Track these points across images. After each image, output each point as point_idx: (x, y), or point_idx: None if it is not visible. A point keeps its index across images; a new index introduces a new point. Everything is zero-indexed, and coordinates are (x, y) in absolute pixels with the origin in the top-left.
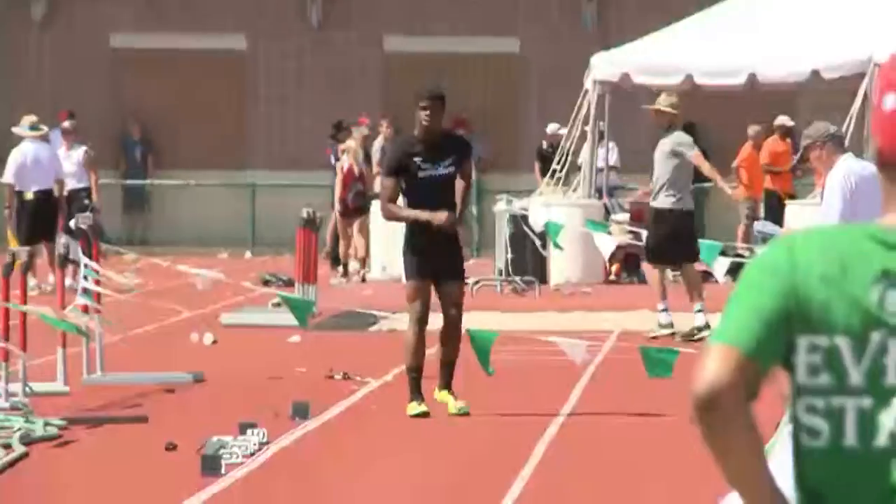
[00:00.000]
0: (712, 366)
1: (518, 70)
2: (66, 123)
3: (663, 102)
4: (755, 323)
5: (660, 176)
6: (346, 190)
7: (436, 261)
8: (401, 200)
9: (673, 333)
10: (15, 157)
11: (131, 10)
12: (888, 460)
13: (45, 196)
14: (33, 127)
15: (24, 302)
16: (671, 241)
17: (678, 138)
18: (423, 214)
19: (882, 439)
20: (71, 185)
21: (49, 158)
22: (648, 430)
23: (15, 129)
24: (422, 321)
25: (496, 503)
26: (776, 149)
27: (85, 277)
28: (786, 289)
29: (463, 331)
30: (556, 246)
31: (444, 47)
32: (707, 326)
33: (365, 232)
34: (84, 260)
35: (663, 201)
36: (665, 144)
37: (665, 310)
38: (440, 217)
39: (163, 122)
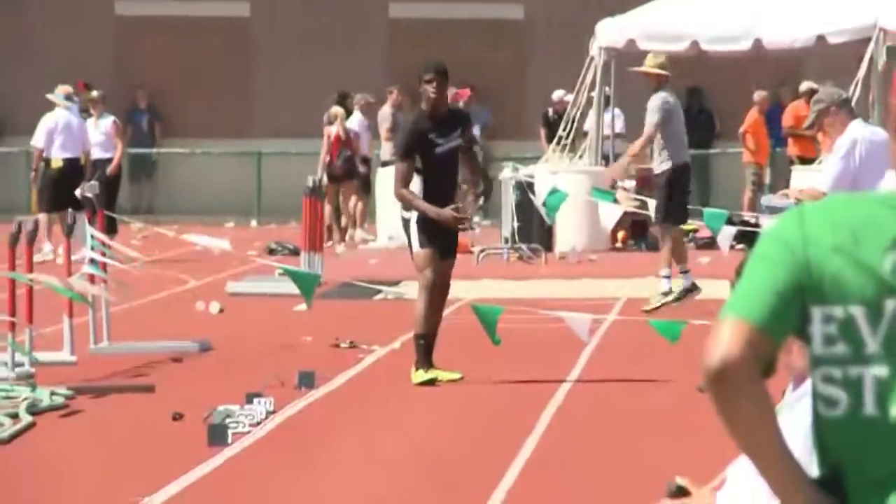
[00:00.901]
0: (724, 338)
1: (523, 36)
2: (95, 93)
3: (650, 63)
4: (767, 296)
5: (656, 139)
6: (336, 156)
7: (444, 236)
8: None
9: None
10: (46, 122)
11: None
12: None
13: (72, 164)
14: (67, 97)
15: (30, 271)
16: (668, 201)
17: (652, 101)
18: (430, 210)
19: None
20: (97, 154)
21: (78, 127)
22: (655, 396)
23: (49, 96)
24: (435, 288)
25: (504, 469)
26: (799, 112)
27: (92, 248)
28: (798, 261)
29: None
30: (551, 219)
31: (448, 13)
32: (670, 292)
33: (350, 196)
34: (90, 230)
35: (658, 166)
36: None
37: (686, 271)
38: (446, 217)
39: (168, 91)
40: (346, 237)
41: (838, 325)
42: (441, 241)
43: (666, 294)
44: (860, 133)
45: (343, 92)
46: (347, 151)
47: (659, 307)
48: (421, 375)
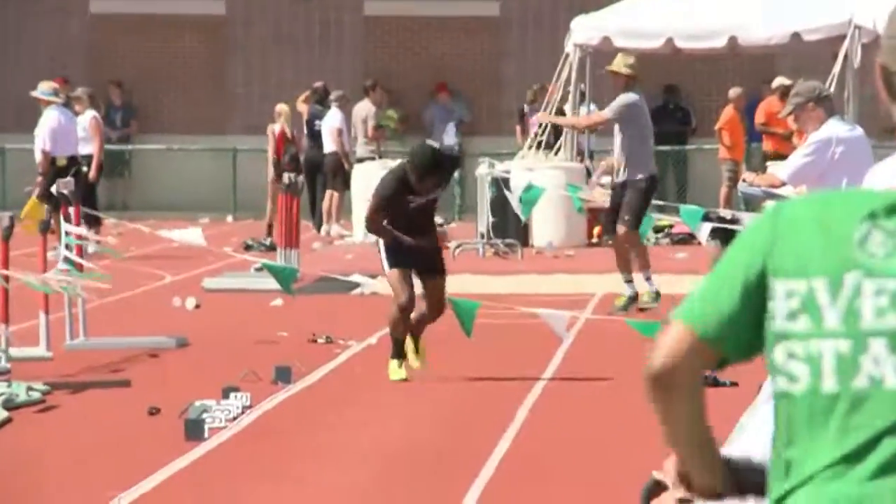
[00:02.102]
0: (667, 344)
1: (499, 33)
2: (80, 90)
3: (619, 63)
4: (720, 305)
5: (622, 145)
6: (282, 154)
7: (416, 255)
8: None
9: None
10: (48, 121)
11: None
12: (864, 403)
13: (73, 162)
14: (55, 93)
15: (5, 268)
16: (641, 208)
17: (616, 100)
18: (406, 239)
19: (861, 381)
20: (79, 150)
21: (73, 124)
22: (630, 392)
23: (35, 94)
24: (407, 309)
25: (480, 465)
26: (772, 109)
27: (67, 246)
28: (766, 240)
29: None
30: (525, 216)
31: (423, 10)
32: (633, 298)
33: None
34: (66, 226)
35: (632, 170)
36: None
37: (648, 278)
38: (421, 243)
39: (144, 88)
40: (322, 232)
41: (800, 298)
42: (411, 258)
43: (631, 299)
44: (836, 131)
45: (324, 86)
46: (293, 149)
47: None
48: (395, 370)
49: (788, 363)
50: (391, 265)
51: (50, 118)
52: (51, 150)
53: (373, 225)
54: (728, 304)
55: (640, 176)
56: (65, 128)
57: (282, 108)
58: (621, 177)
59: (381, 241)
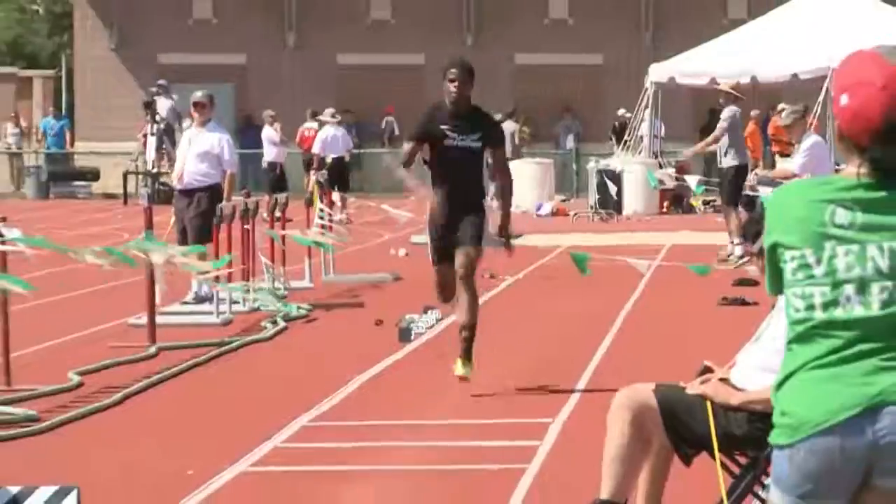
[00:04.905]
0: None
1: (602, 75)
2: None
3: (727, 86)
4: (770, 278)
5: (723, 142)
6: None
7: (454, 233)
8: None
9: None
10: (321, 136)
11: (351, 37)
12: (841, 326)
13: (338, 161)
14: (333, 115)
15: (283, 229)
16: (736, 190)
17: (724, 112)
18: (420, 191)
19: (839, 311)
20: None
21: (342, 137)
22: (695, 313)
23: (321, 117)
24: (446, 301)
25: (583, 367)
26: (777, 124)
27: (321, 217)
28: (773, 225)
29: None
30: (654, 183)
31: (555, 61)
32: (742, 256)
33: None
34: (319, 205)
35: (730, 161)
36: (724, 115)
37: (742, 244)
38: (431, 202)
39: (371, 114)
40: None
41: (797, 262)
42: (449, 247)
43: (741, 257)
44: (816, 138)
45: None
46: None
47: (737, 266)
48: (459, 367)
49: (793, 299)
50: (433, 262)
51: (323, 132)
52: (318, 152)
53: (405, 153)
54: (773, 273)
55: (727, 164)
56: (334, 139)
57: None
58: (721, 164)
59: (428, 233)
